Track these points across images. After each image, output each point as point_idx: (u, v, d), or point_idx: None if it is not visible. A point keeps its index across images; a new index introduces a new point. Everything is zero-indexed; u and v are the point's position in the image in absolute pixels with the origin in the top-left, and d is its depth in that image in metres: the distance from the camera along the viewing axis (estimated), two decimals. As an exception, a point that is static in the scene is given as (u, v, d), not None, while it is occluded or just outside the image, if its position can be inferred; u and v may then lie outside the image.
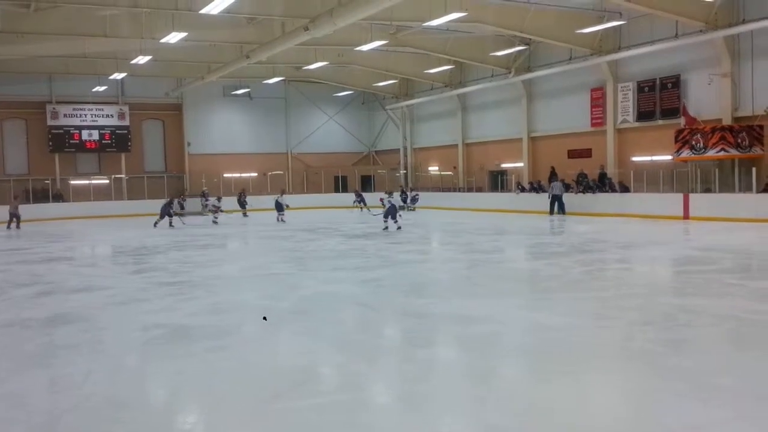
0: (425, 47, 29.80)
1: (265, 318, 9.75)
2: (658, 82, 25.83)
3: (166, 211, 26.56)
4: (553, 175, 28.85)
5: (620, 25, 25.31)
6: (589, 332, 8.22)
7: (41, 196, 35.60)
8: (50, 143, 36.85)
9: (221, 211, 29.49)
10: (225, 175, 39.85)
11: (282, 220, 27.57)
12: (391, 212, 21.98)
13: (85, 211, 34.00)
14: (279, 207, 28.43)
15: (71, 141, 37.31)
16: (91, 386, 6.51)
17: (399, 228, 22.04)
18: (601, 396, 6.13)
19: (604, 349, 7.47)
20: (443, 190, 37.33)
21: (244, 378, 6.67)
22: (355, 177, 41.97)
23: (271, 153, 42.58)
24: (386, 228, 21.91)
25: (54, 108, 36.89)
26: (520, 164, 33.02)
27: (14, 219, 27.13)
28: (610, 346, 7.59)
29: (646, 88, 26.31)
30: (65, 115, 37.18)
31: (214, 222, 28.31)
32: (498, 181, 34.78)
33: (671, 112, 25.37)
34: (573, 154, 29.99)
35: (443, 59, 32.10)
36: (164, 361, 7.42)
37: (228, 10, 19.10)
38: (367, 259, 15.89)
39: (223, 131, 41.23)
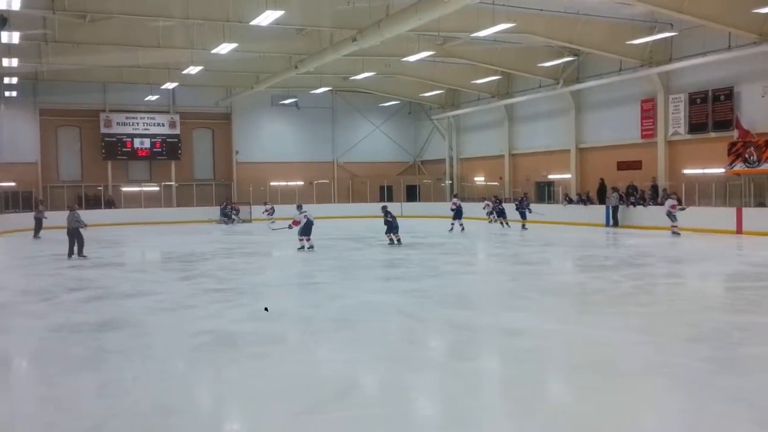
0: (472, 58, 29.70)
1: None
2: (710, 93, 25.31)
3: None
4: (603, 187, 28.58)
5: (671, 36, 24.89)
6: (637, 348, 8.06)
7: (93, 202, 36.38)
8: (103, 151, 37.64)
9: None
10: (272, 183, 40.22)
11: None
12: (457, 215, 22.80)
13: (136, 217, 34.71)
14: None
15: (123, 149, 38.06)
16: (139, 391, 6.62)
17: (463, 229, 24.74)
18: (649, 415, 5.99)
19: (652, 367, 7.30)
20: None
21: (287, 386, 6.71)
22: (400, 187, 41.97)
23: (318, 162, 42.88)
24: (451, 229, 24.05)
25: (107, 116, 37.68)
26: (568, 175, 32.65)
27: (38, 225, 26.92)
28: (658, 364, 7.42)
29: (698, 100, 25.81)
30: (118, 124, 37.95)
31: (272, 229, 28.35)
32: (545, 193, 34.45)
33: (724, 124, 24.83)
34: (622, 165, 29.55)
35: (490, 70, 31.97)
36: (210, 367, 7.50)
37: (277, 22, 19.31)
38: (412, 269, 15.85)
39: (270, 140, 41.65)
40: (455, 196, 27.24)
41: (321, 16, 22.17)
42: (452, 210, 26.84)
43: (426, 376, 7.11)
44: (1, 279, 14.70)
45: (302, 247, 19.65)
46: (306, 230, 19.64)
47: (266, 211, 33.49)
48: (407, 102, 43.35)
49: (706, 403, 6.11)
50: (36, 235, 26.63)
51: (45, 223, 26.35)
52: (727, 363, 7.41)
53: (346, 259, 18.07)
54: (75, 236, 18.30)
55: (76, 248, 18.35)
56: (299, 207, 20.24)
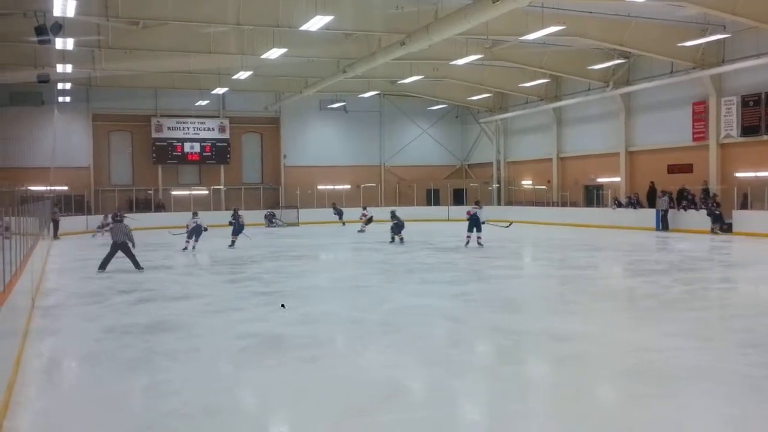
0: (521, 61, 29.48)
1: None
2: (763, 96, 24.70)
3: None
4: (653, 191, 28.16)
5: (724, 38, 24.37)
6: (689, 354, 7.89)
7: (144, 206, 37.06)
8: (154, 155, 38.31)
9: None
10: (319, 187, 40.50)
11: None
12: (475, 224, 21.32)
13: (185, 220, 35.09)
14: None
15: (174, 153, 38.67)
16: (187, 392, 6.70)
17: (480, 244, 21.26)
18: (701, 422, 5.87)
19: (705, 372, 7.14)
20: (537, 205, 36.77)
21: (333, 390, 6.73)
22: (447, 190, 41.85)
23: (365, 165, 43.02)
24: (467, 243, 21.41)
25: (158, 121, 38.35)
26: (617, 179, 32.18)
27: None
28: (711, 370, 7.25)
29: (751, 102, 25.22)
30: (169, 128, 38.59)
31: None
32: (594, 196, 34.00)
33: (778, 126, 24.28)
34: (673, 169, 29.02)
35: (539, 73, 31.69)
36: (257, 370, 7.56)
37: (326, 27, 19.45)
38: (458, 272, 15.81)
39: (318, 144, 41.92)
40: (476, 203, 22.80)
41: (370, 20, 22.25)
42: (467, 219, 21.86)
43: (471, 381, 7.07)
44: (54, 281, 15.04)
45: (185, 248, 22.17)
46: (195, 233, 22.35)
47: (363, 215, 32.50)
48: (455, 105, 43.23)
49: (758, 410, 5.95)
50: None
51: (95, 226, 27.20)
52: (783, 371, 7.21)
53: (393, 263, 18.07)
54: (122, 250, 16.57)
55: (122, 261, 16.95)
56: (194, 214, 23.53)
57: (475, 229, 21.21)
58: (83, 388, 7.21)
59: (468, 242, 21.35)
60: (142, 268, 16.56)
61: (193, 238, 22.44)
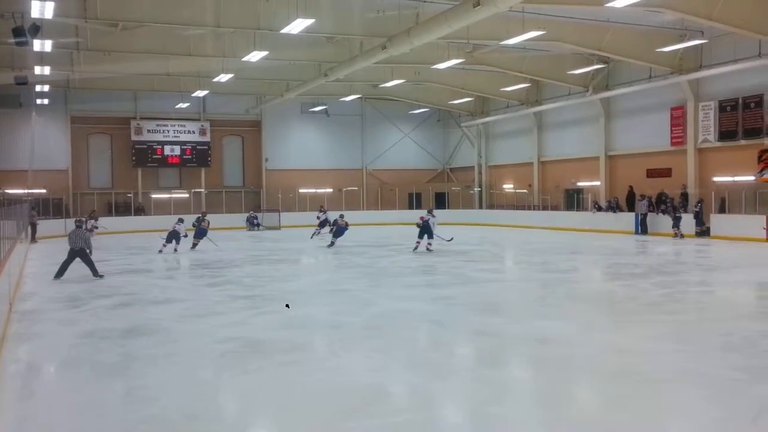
0: (502, 65, 29.61)
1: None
2: (740, 101, 24.97)
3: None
4: (632, 195, 28.39)
5: (702, 43, 24.60)
6: (668, 357, 7.94)
7: (123, 209, 36.78)
8: (134, 158, 38.04)
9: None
10: (301, 190, 40.40)
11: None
12: (426, 231, 21.27)
13: (165, 224, 34.92)
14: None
15: (154, 156, 38.43)
16: (166, 398, 6.64)
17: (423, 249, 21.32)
18: (681, 424, 5.92)
19: (683, 375, 7.20)
20: (518, 208, 36.92)
21: (316, 394, 6.70)
22: (429, 194, 41.89)
23: (347, 169, 43.01)
24: (415, 248, 21.42)
25: (138, 124, 38.10)
26: (597, 183, 32.39)
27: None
28: (689, 373, 7.31)
29: (728, 108, 25.47)
30: (149, 131, 38.34)
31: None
32: (574, 200, 34.19)
33: (754, 131, 24.50)
34: (652, 173, 29.25)
35: (520, 77, 31.82)
36: (238, 374, 7.52)
37: (307, 30, 19.40)
38: (439, 276, 15.82)
39: (300, 147, 41.83)
40: (429, 211, 22.29)
41: (351, 24, 22.25)
42: (417, 226, 21.82)
43: (454, 384, 7.07)
44: (31, 285, 14.87)
45: (161, 251, 22.34)
46: (174, 237, 22.58)
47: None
48: (436, 109, 43.35)
49: (738, 413, 5.99)
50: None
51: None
52: (759, 372, 7.27)
53: (375, 267, 18.05)
54: (80, 257, 15.60)
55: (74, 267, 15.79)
56: (180, 220, 23.35)
57: (426, 236, 21.31)
58: (61, 393, 7.13)
59: (416, 247, 21.39)
60: (101, 276, 15.71)
61: (173, 242, 22.51)
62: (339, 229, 23.83)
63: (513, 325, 10.00)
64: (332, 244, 23.64)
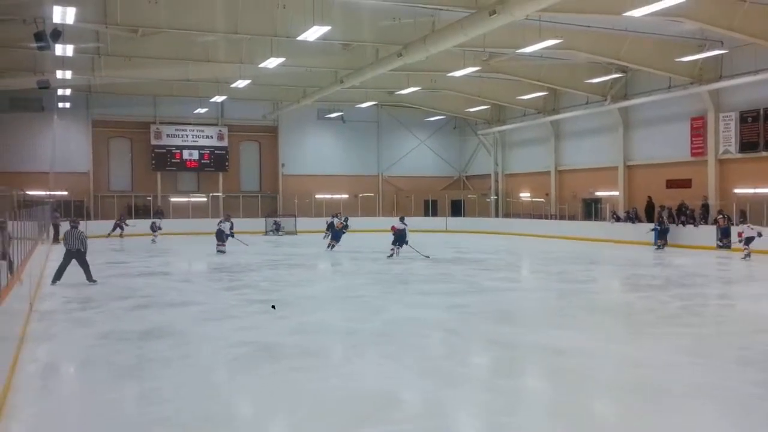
0: (518, 74, 29.56)
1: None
2: (762, 112, 24.78)
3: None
4: (651, 205, 28.26)
5: (722, 54, 24.44)
6: (684, 370, 7.89)
7: (143, 212, 37.06)
8: (153, 162, 38.34)
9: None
10: (317, 196, 40.52)
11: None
12: (399, 240, 22.18)
13: (184, 227, 35.26)
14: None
15: (173, 160, 38.73)
16: (179, 400, 6.69)
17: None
18: (695, 438, 5.88)
19: (699, 389, 7.15)
20: (534, 217, 36.80)
21: (327, 400, 6.72)
22: (445, 201, 41.87)
23: (363, 175, 43.07)
24: (390, 255, 22.15)
25: (157, 128, 38.40)
26: (615, 193, 32.22)
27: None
28: (705, 386, 7.26)
29: (750, 119, 25.29)
30: (168, 135, 38.65)
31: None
32: (591, 210, 34.04)
33: (776, 143, 24.35)
34: (672, 184, 29.05)
35: (536, 86, 31.76)
36: (251, 378, 7.55)
37: (324, 37, 19.47)
38: (454, 284, 15.79)
39: (316, 153, 42.00)
40: (401, 219, 23.06)
41: (367, 31, 22.31)
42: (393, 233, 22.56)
43: (466, 393, 7.06)
44: (51, 286, 15.00)
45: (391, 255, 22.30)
46: (217, 237, 23.63)
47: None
48: (453, 117, 43.31)
49: (755, 428, 5.94)
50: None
51: (94, 232, 27.46)
52: (777, 387, 7.21)
53: (389, 273, 18.06)
54: (76, 258, 15.22)
55: (71, 271, 15.26)
56: (227, 216, 24.71)
57: (397, 244, 22.19)
58: (76, 394, 7.20)
59: (392, 255, 22.12)
60: (95, 281, 15.29)
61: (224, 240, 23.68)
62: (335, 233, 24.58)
63: (528, 334, 9.96)
64: (332, 246, 24.54)
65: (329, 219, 29.64)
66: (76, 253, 15.20)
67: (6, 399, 6.51)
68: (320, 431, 5.92)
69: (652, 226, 26.61)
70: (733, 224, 24.15)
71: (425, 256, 22.13)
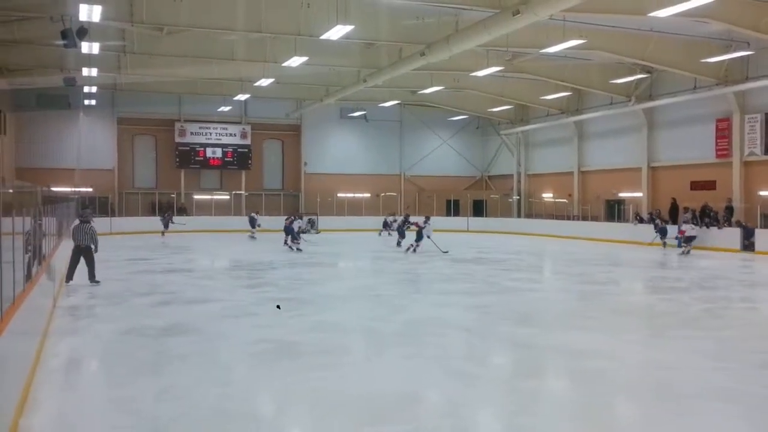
0: (542, 73, 29.40)
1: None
2: (788, 114, 24.54)
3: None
4: (675, 207, 28.03)
5: (748, 55, 24.17)
6: (706, 373, 7.82)
7: (166, 209, 37.34)
8: (177, 159, 38.64)
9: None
10: (339, 195, 40.61)
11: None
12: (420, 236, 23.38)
13: (206, 224, 35.53)
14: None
15: (196, 158, 39.00)
16: (199, 397, 6.74)
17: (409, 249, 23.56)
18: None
19: (721, 393, 7.08)
20: (557, 218, 36.61)
21: (346, 398, 6.74)
22: (467, 201, 41.79)
23: (385, 174, 43.09)
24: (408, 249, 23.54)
25: (182, 126, 38.69)
26: (639, 194, 31.98)
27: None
28: (729, 390, 7.18)
29: (776, 121, 25.02)
30: (192, 133, 38.92)
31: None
32: (615, 211, 33.78)
33: (803, 145, 24.05)
34: (696, 185, 28.76)
35: (560, 86, 31.58)
36: (270, 375, 7.59)
37: (347, 36, 19.50)
38: (475, 284, 15.77)
39: (338, 152, 42.10)
40: (426, 219, 24.48)
41: (390, 30, 22.30)
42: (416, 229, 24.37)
43: (485, 393, 7.05)
44: (76, 281, 15.13)
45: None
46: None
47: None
48: (475, 117, 43.16)
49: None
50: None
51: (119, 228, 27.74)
52: (801, 393, 7.12)
53: (411, 273, 18.06)
54: (84, 255, 14.48)
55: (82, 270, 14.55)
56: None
57: (419, 239, 23.52)
58: (98, 389, 7.27)
59: (416, 249, 23.42)
60: (98, 282, 14.51)
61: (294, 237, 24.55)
62: (417, 232, 24.28)
63: (548, 335, 9.92)
64: (415, 248, 23.89)
65: (391, 218, 30.83)
66: (86, 250, 14.45)
67: (29, 393, 6.60)
68: (337, 429, 5.94)
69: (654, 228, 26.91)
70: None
71: (444, 251, 22.15)
